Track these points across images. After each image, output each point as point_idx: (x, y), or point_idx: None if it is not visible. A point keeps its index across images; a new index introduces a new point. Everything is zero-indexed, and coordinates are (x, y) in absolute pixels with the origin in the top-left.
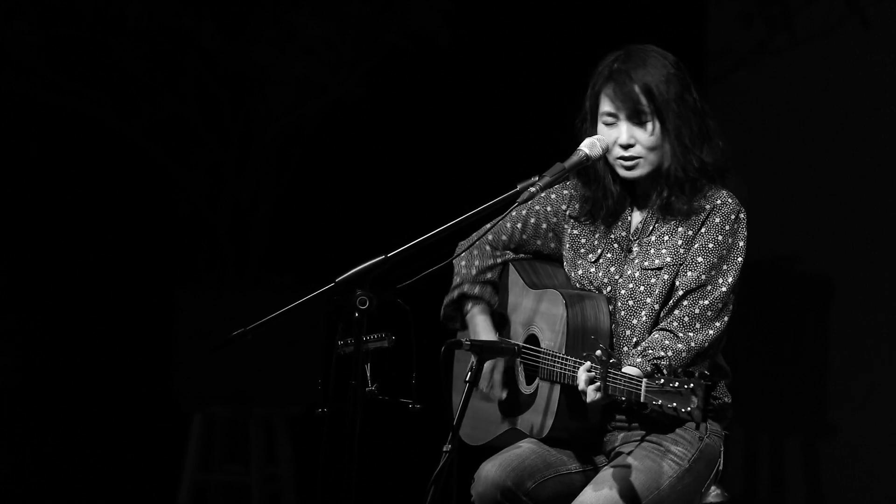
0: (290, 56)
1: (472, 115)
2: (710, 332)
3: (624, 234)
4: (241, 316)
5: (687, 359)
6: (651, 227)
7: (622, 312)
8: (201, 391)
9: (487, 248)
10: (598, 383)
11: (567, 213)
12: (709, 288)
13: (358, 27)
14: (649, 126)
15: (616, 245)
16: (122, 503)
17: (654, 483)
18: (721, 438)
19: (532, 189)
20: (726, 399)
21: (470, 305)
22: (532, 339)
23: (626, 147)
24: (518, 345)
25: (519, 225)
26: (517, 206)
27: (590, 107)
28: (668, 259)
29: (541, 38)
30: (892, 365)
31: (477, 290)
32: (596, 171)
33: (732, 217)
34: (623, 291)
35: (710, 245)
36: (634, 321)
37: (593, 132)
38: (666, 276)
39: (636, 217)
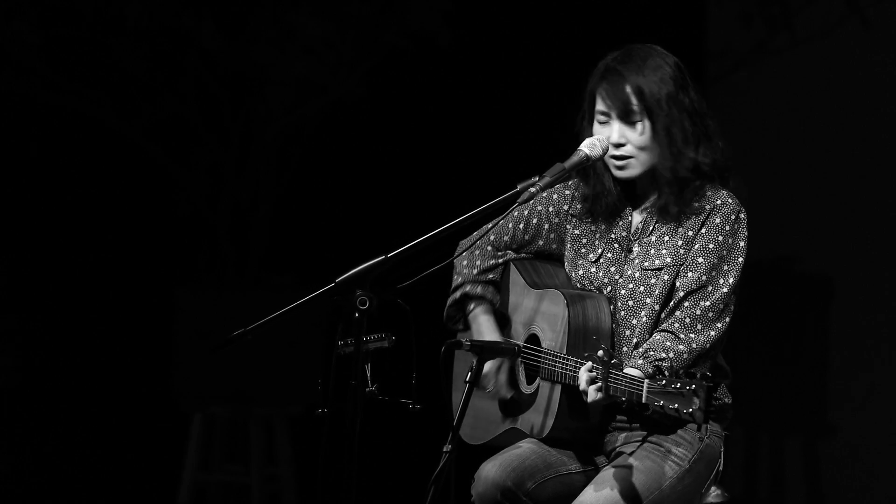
0: (290, 56)
1: (472, 115)
2: (712, 333)
3: (624, 233)
4: (241, 316)
5: (688, 360)
6: (651, 227)
7: (622, 312)
8: (201, 391)
9: (489, 248)
10: (600, 383)
11: (569, 212)
12: (710, 289)
13: (358, 27)
14: (639, 126)
15: (616, 245)
16: (122, 503)
17: (655, 483)
18: (721, 439)
19: (532, 189)
20: (726, 399)
21: (472, 305)
22: (533, 339)
23: (617, 146)
24: (519, 344)
25: (521, 225)
26: (517, 206)
27: (587, 105)
28: (668, 260)
29: (541, 38)
30: (892, 365)
31: (479, 289)
32: (595, 171)
33: (733, 217)
34: (623, 291)
35: (711, 245)
36: (634, 321)
37: (590, 130)
38: (666, 277)
39: (636, 217)
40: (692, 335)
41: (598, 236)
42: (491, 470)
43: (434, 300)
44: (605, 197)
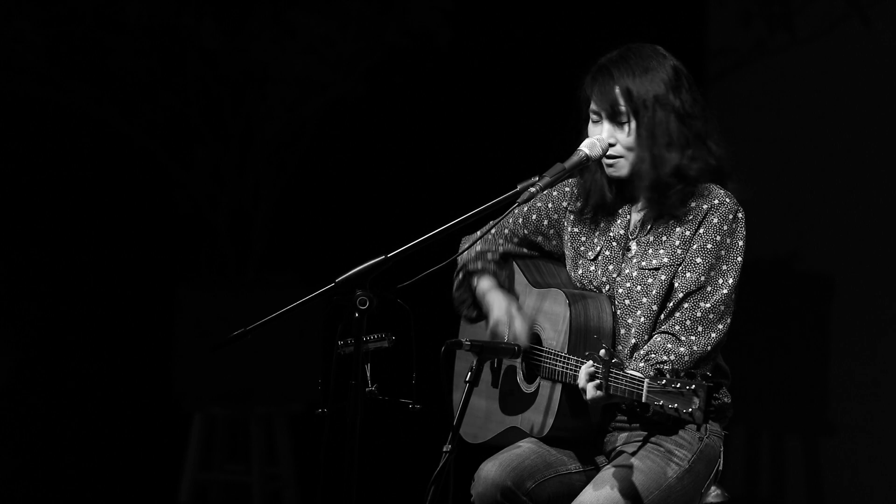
0: (290, 54)
1: (472, 115)
2: (713, 335)
3: (622, 232)
4: (241, 315)
5: (690, 362)
6: (649, 227)
7: (618, 311)
8: (202, 390)
9: (490, 237)
10: (598, 381)
11: (568, 209)
12: (709, 290)
13: (358, 25)
14: (626, 127)
15: (615, 243)
16: (122, 503)
17: (655, 483)
18: (721, 438)
19: (532, 189)
20: (726, 399)
21: (476, 280)
22: (534, 338)
23: (609, 146)
24: (519, 344)
25: (521, 221)
26: (517, 206)
27: (583, 103)
28: (666, 260)
29: (541, 38)
30: (893, 364)
31: (480, 265)
32: (592, 170)
33: (730, 217)
34: (620, 290)
35: (709, 245)
36: (630, 320)
37: (586, 128)
38: (663, 277)
39: (635, 216)
40: (693, 337)
41: (596, 234)
42: (491, 470)
43: (434, 300)
44: (602, 196)
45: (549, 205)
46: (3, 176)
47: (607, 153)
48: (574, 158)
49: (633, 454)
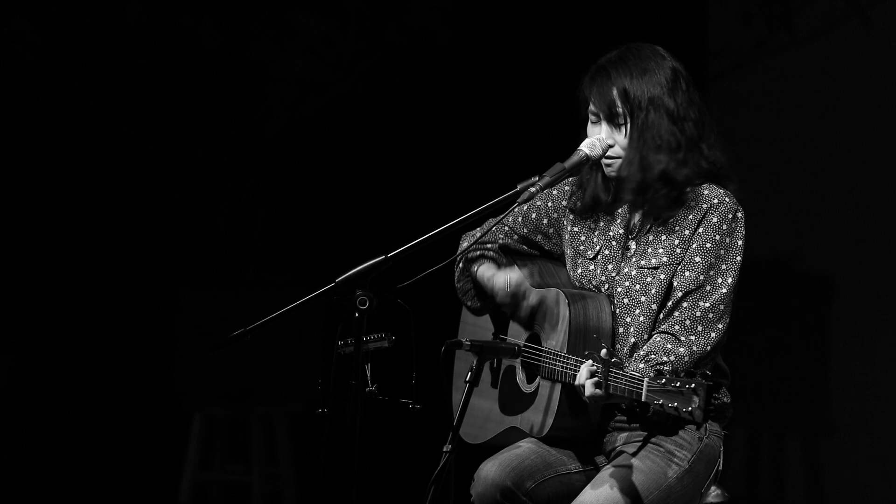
0: (290, 54)
1: (472, 115)
2: (713, 334)
3: (622, 231)
4: (241, 315)
5: (689, 363)
6: (648, 226)
7: (618, 310)
8: (201, 390)
9: (490, 233)
10: (596, 378)
11: (567, 207)
12: (708, 289)
13: (358, 25)
14: (624, 128)
15: (614, 243)
16: (122, 503)
17: (654, 483)
18: (721, 438)
19: (532, 189)
20: (725, 399)
21: (475, 266)
22: (534, 338)
23: (608, 146)
24: (519, 343)
25: (520, 219)
26: (517, 206)
27: (581, 104)
28: (665, 259)
29: (541, 37)
30: (893, 364)
31: (478, 252)
32: (592, 169)
33: (730, 216)
34: (619, 289)
35: (708, 245)
36: (629, 319)
37: (584, 129)
38: (662, 276)
39: (635, 216)
40: (692, 337)
41: (596, 234)
42: (490, 470)
43: (434, 300)
44: (601, 196)
45: (549, 204)
46: (3, 176)
47: (606, 154)
48: (574, 158)
49: (634, 454)
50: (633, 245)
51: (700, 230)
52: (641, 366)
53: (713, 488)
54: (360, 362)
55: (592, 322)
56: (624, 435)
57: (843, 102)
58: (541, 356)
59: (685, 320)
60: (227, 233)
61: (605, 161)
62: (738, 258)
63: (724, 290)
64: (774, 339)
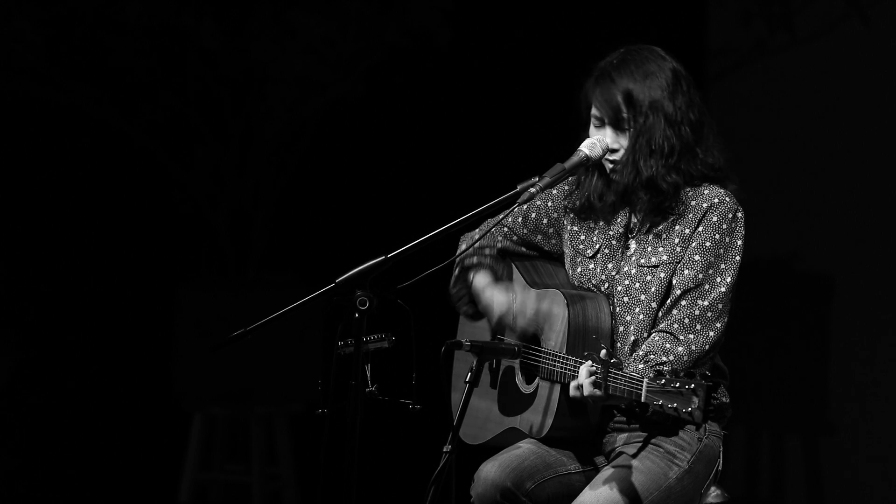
0: (290, 54)
1: (472, 115)
2: (711, 333)
3: (622, 230)
4: (241, 315)
5: (688, 362)
6: (648, 225)
7: (617, 309)
8: (201, 390)
9: (489, 235)
10: (593, 378)
11: (567, 207)
12: (707, 287)
13: (358, 25)
14: (628, 133)
15: (614, 242)
16: (122, 503)
17: (654, 484)
18: (720, 439)
19: (532, 190)
20: (724, 399)
21: (472, 274)
22: (533, 339)
23: (612, 151)
24: (519, 344)
25: (520, 220)
26: (517, 206)
27: (583, 106)
28: (665, 257)
29: (541, 37)
30: (893, 364)
31: (476, 259)
32: (592, 169)
33: (730, 216)
34: (619, 288)
35: (708, 243)
36: (629, 318)
37: (587, 130)
38: (662, 275)
39: (635, 215)
40: (691, 336)
41: (596, 233)
42: (490, 470)
43: (434, 300)
44: (600, 196)
45: (549, 203)
46: (3, 176)
47: (611, 158)
48: (574, 159)
49: (633, 455)
50: (633, 244)
51: (700, 229)
52: (641, 366)
53: (713, 488)
54: (360, 362)
55: (591, 323)
56: (623, 436)
57: (843, 102)
58: (540, 357)
59: (684, 319)
60: (227, 233)
61: (609, 165)
62: (738, 257)
63: (723, 289)
64: (774, 339)
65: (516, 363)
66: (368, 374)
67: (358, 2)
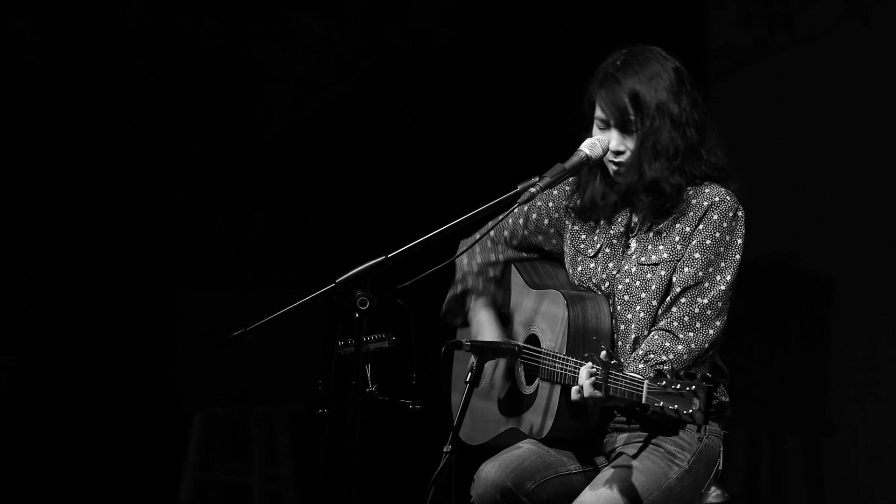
0: (290, 54)
1: (472, 115)
2: (711, 331)
3: (622, 229)
4: (241, 315)
5: (688, 360)
6: (649, 224)
7: (618, 307)
8: (201, 390)
9: (489, 243)
10: (593, 378)
11: (568, 207)
12: (706, 285)
13: (358, 25)
14: (635, 135)
15: (615, 241)
16: (122, 503)
17: (654, 484)
18: (720, 438)
19: (532, 190)
20: (724, 398)
21: (473, 300)
22: (532, 340)
23: (617, 154)
24: (518, 345)
25: (521, 220)
26: (517, 206)
27: (586, 108)
28: (666, 255)
29: (541, 37)
30: (893, 364)
31: (480, 285)
32: (594, 170)
33: (730, 214)
34: (620, 286)
35: (708, 241)
36: (630, 316)
37: (589, 132)
38: (663, 273)
39: (636, 215)
40: (690, 334)
41: (596, 232)
42: (490, 471)
43: (434, 300)
44: (601, 196)
45: (550, 204)
46: (3, 176)
47: (616, 161)
48: (574, 159)
49: (634, 456)
50: (633, 243)
51: (700, 227)
52: (641, 366)
53: (713, 488)
54: (360, 363)
55: (591, 324)
56: (624, 436)
57: (843, 102)
58: (540, 357)
59: (683, 317)
60: (227, 233)
61: (613, 166)
62: (738, 256)
63: (723, 287)
64: (774, 339)
65: (517, 364)
66: (368, 374)
67: (358, 2)
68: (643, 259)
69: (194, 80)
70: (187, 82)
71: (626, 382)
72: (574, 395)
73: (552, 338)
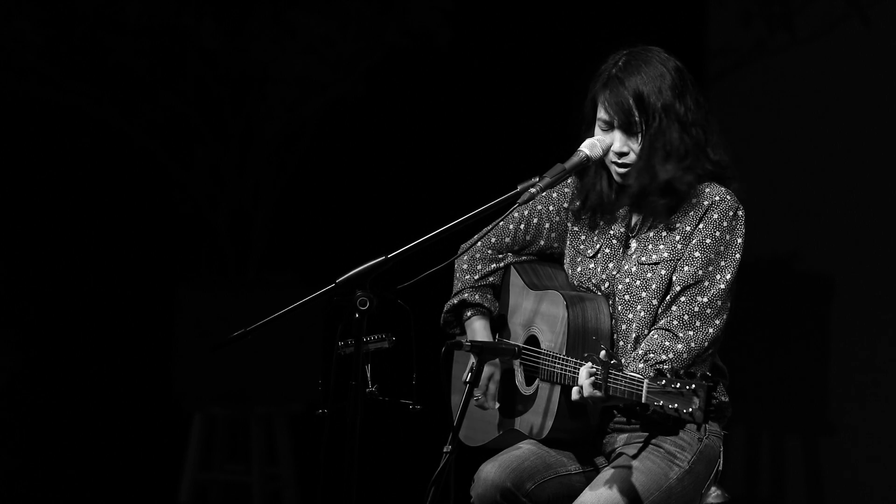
0: (290, 54)
1: (472, 115)
2: (710, 330)
3: (623, 230)
4: (241, 315)
5: (688, 360)
6: (649, 224)
7: (619, 307)
8: (202, 390)
9: (489, 251)
10: (593, 378)
11: (569, 209)
12: (706, 284)
13: (358, 25)
14: (639, 136)
15: (615, 241)
16: (122, 503)
17: (654, 484)
18: (720, 438)
19: (532, 190)
20: (723, 398)
21: (469, 313)
22: (532, 340)
23: (621, 155)
24: (518, 346)
25: (522, 225)
26: (518, 206)
27: (588, 109)
28: (666, 255)
29: (541, 38)
30: (893, 364)
31: (477, 296)
32: (594, 171)
33: (731, 214)
34: (620, 286)
35: (708, 240)
36: (630, 315)
37: (591, 132)
38: (663, 272)
39: (635, 215)
40: (690, 332)
41: (596, 233)
42: (490, 471)
43: (434, 301)
44: (602, 197)
45: (550, 206)
46: (3, 176)
47: (620, 162)
48: (574, 159)
49: (634, 456)
50: (633, 243)
51: (700, 226)
52: (641, 365)
53: (713, 488)
54: (360, 363)
55: (591, 324)
56: (624, 436)
57: (843, 102)
58: (539, 358)
59: (683, 315)
60: (227, 233)
61: (617, 168)
62: (738, 255)
63: (723, 286)
64: (774, 339)
65: (516, 364)
66: (368, 375)
67: (358, 2)
68: (643, 258)
69: (194, 80)
70: (187, 82)
71: (625, 382)
72: (574, 396)
73: (552, 338)
